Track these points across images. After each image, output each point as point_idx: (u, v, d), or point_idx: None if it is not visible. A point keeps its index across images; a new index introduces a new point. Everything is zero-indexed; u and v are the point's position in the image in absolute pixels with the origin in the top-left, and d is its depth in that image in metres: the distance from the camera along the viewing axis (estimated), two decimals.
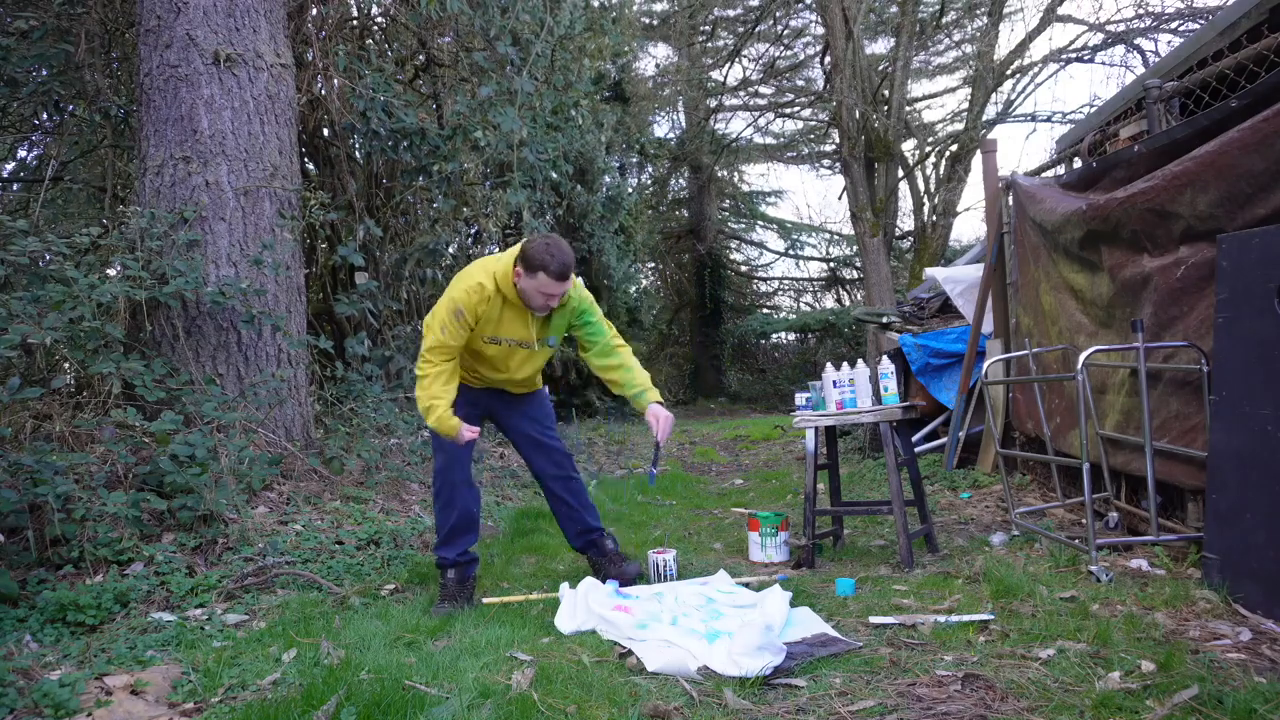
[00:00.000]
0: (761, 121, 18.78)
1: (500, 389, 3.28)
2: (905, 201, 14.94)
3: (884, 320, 7.13)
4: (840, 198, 18.27)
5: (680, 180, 20.76)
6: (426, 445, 5.75)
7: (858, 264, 17.76)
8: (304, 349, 4.72)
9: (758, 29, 15.37)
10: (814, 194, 41.87)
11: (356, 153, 6.54)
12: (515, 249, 2.98)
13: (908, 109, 13.00)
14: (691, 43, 17.19)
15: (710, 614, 2.71)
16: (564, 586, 3.02)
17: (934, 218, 12.44)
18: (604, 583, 3.07)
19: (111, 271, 4.40)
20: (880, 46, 16.09)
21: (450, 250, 6.86)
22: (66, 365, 4.55)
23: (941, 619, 2.56)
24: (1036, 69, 12.21)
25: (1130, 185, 3.35)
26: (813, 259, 22.02)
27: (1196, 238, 3.00)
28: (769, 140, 19.67)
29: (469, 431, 3.00)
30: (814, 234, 22.05)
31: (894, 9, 13.55)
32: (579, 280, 3.14)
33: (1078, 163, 4.88)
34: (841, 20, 11.14)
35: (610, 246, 12.70)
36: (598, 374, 3.26)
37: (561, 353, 14.95)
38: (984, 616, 2.56)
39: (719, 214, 20.91)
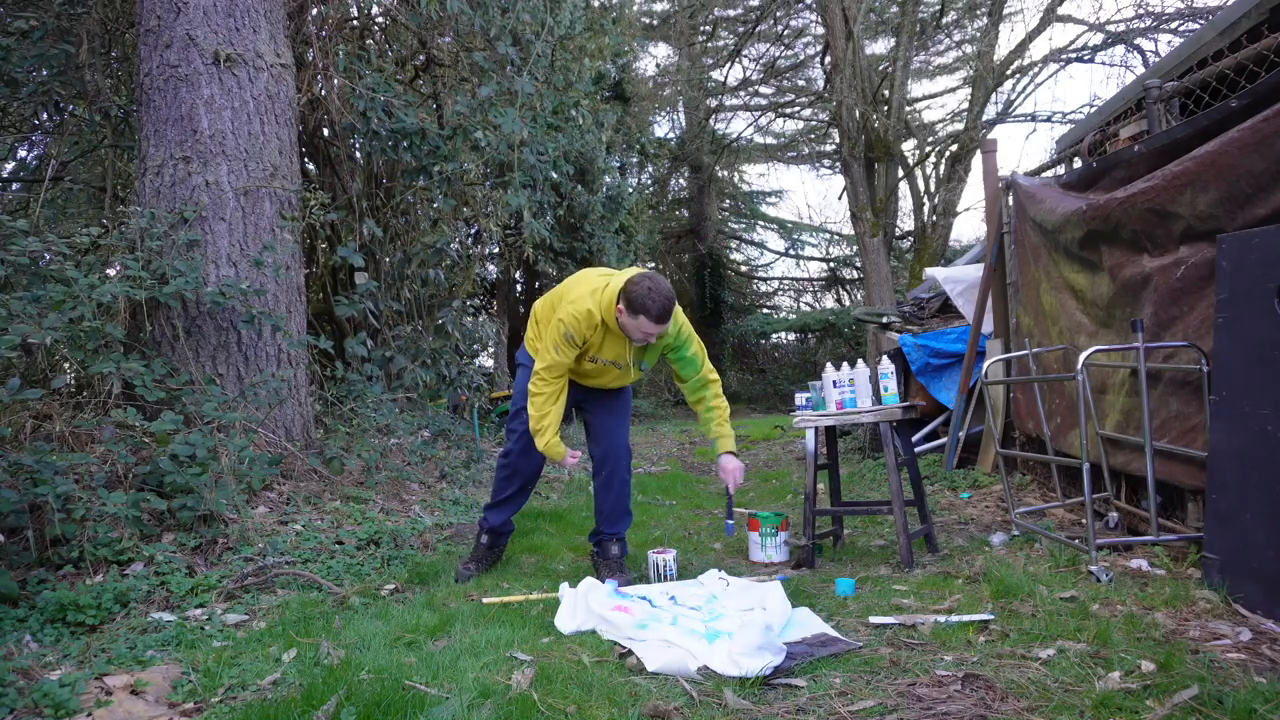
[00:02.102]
0: (762, 121, 18.80)
1: (593, 388, 3.48)
2: (905, 201, 14.95)
3: (884, 320, 7.14)
4: (840, 198, 18.28)
5: (680, 180, 20.77)
6: (427, 445, 5.75)
7: (858, 264, 17.77)
8: (304, 349, 4.72)
9: (758, 29, 15.38)
10: (814, 194, 41.90)
11: (356, 153, 6.54)
12: (618, 281, 3.13)
13: (908, 109, 13.00)
14: (692, 43, 17.19)
15: (710, 614, 2.71)
16: (564, 586, 3.02)
17: (934, 218, 12.44)
18: (602, 582, 3.09)
19: (111, 271, 4.40)
20: (880, 46, 16.10)
21: (453, 250, 6.86)
22: (66, 365, 4.55)
23: (941, 619, 2.56)
24: (1036, 69, 12.22)
25: (1130, 185, 3.35)
26: (813, 259, 22.05)
27: (1196, 238, 3.00)
28: (769, 140, 19.69)
29: (572, 458, 3.29)
30: (814, 234, 22.07)
31: (894, 9, 13.55)
32: (679, 311, 3.26)
33: (1078, 163, 4.88)
34: (841, 20, 11.14)
35: (610, 246, 12.70)
36: (687, 401, 3.51)
37: None
38: (984, 616, 2.56)
39: (719, 214, 20.92)
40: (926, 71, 16.34)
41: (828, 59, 12.79)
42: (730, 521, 3.50)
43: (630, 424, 3.66)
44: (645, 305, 3.03)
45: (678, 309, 3.20)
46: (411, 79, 7.47)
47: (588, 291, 3.19)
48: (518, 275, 15.30)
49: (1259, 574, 2.46)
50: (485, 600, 3.05)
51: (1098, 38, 10.91)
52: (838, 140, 12.81)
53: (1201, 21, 8.53)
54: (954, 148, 12.27)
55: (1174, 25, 9.66)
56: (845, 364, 3.63)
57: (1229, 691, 1.90)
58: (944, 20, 13.76)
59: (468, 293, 8.52)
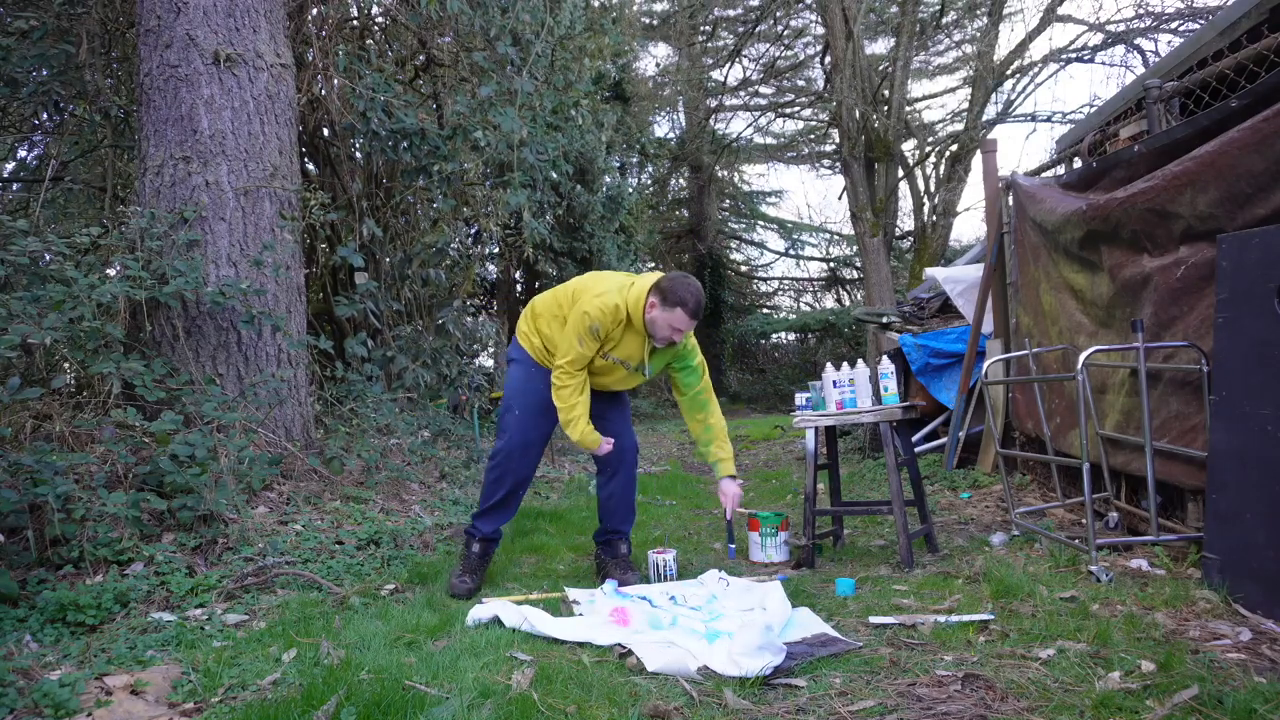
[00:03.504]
0: (762, 121, 18.80)
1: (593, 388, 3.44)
2: (905, 201, 14.95)
3: (884, 320, 7.14)
4: (840, 198, 18.28)
5: (680, 180, 20.77)
6: (427, 445, 5.75)
7: (858, 264, 17.77)
8: (304, 349, 4.72)
9: (758, 29, 15.38)
10: (814, 194, 41.93)
11: (356, 153, 6.54)
12: (646, 279, 3.18)
13: (908, 109, 13.00)
14: (692, 43, 17.19)
15: (710, 614, 2.71)
16: (567, 590, 3.02)
17: (934, 218, 12.44)
18: (602, 581, 3.13)
19: (111, 271, 4.39)
20: (880, 46, 16.11)
21: (453, 250, 6.86)
22: (66, 365, 4.55)
23: (941, 619, 2.56)
24: (1036, 69, 12.22)
25: (1130, 185, 3.35)
26: (813, 259, 22.05)
27: (1196, 238, 3.00)
28: (769, 140, 19.69)
29: (607, 444, 3.27)
30: (814, 234, 22.07)
31: (894, 9, 13.55)
32: None
33: (1078, 163, 4.88)
34: (841, 20, 11.14)
35: (610, 246, 12.70)
36: (684, 418, 3.54)
37: None
38: (984, 616, 2.56)
39: (719, 214, 20.93)
40: (926, 71, 16.34)
41: (828, 59, 12.79)
42: (732, 546, 3.58)
43: (631, 421, 3.66)
44: (683, 298, 3.07)
45: None
46: (411, 79, 7.47)
47: (614, 287, 3.20)
48: (518, 275, 15.31)
49: (1259, 574, 2.45)
50: (485, 600, 3.05)
51: (1098, 38, 10.92)
52: (838, 140, 12.82)
53: (1201, 21, 8.53)
54: (954, 148, 12.27)
55: (1174, 25, 9.66)
56: (845, 364, 3.63)
57: (1229, 691, 1.90)
58: (944, 20, 13.76)
59: (468, 292, 8.52)
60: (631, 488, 3.54)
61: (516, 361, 3.45)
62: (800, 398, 3.74)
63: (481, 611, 2.77)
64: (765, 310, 21.45)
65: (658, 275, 3.19)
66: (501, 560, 3.78)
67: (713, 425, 3.44)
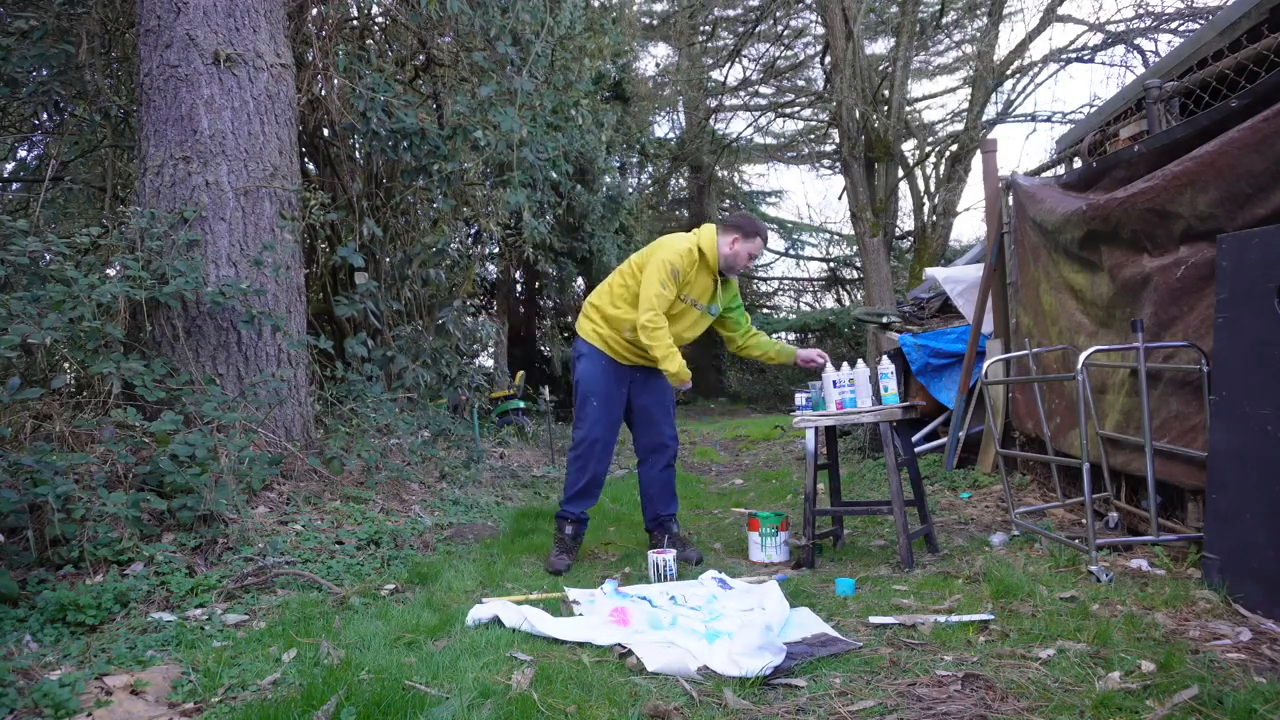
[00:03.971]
0: (762, 121, 18.79)
1: (647, 366, 3.71)
2: (905, 201, 14.94)
3: (884, 320, 7.13)
4: (840, 198, 18.28)
5: (680, 180, 20.78)
6: (427, 445, 5.75)
7: (858, 264, 17.77)
8: (304, 349, 4.72)
9: (758, 29, 15.37)
10: (814, 194, 41.94)
11: (356, 153, 6.54)
12: (709, 226, 3.67)
13: (908, 109, 13.00)
14: (691, 43, 17.19)
15: (710, 614, 2.71)
16: (567, 591, 3.02)
17: (934, 218, 12.44)
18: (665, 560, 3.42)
19: (111, 271, 4.39)
20: (880, 46, 16.11)
21: (453, 250, 6.86)
22: (66, 365, 4.55)
23: (941, 619, 2.56)
24: (1036, 69, 12.21)
25: (1130, 185, 3.35)
26: (813, 259, 22.05)
27: (1196, 238, 3.00)
28: (769, 140, 19.69)
29: (689, 383, 3.60)
30: (814, 234, 22.07)
31: (894, 9, 13.55)
32: None
33: (1078, 163, 4.88)
34: (841, 20, 11.14)
35: (610, 246, 12.70)
36: (740, 350, 3.96)
37: (562, 352, 14.93)
38: (984, 616, 2.56)
39: (719, 214, 20.91)
40: (926, 71, 16.34)
41: (828, 59, 12.79)
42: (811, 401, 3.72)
43: (675, 417, 3.94)
44: (759, 228, 3.63)
45: None
46: (411, 79, 7.47)
47: (682, 238, 3.62)
48: (518, 275, 15.31)
49: (1259, 574, 2.45)
50: (485, 600, 3.05)
51: (1098, 38, 10.91)
52: (838, 140, 12.81)
53: (1201, 21, 8.53)
54: (954, 148, 12.26)
55: (1174, 25, 9.66)
56: (845, 364, 3.63)
57: (1229, 691, 1.90)
58: (944, 20, 13.76)
59: (468, 292, 8.52)
60: (672, 475, 3.85)
61: (585, 356, 3.73)
62: (800, 398, 3.74)
63: (481, 611, 2.77)
64: (765, 310, 21.44)
65: (710, 226, 3.65)
66: (502, 560, 3.78)
67: (766, 342, 3.97)
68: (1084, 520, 3.50)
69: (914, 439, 5.98)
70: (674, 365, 3.50)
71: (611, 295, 3.69)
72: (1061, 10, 11.54)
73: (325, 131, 6.53)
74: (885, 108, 11.61)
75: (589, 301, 3.81)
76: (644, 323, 3.48)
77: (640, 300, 3.52)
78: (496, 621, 2.72)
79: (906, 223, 16.61)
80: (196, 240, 4.28)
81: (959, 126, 13.07)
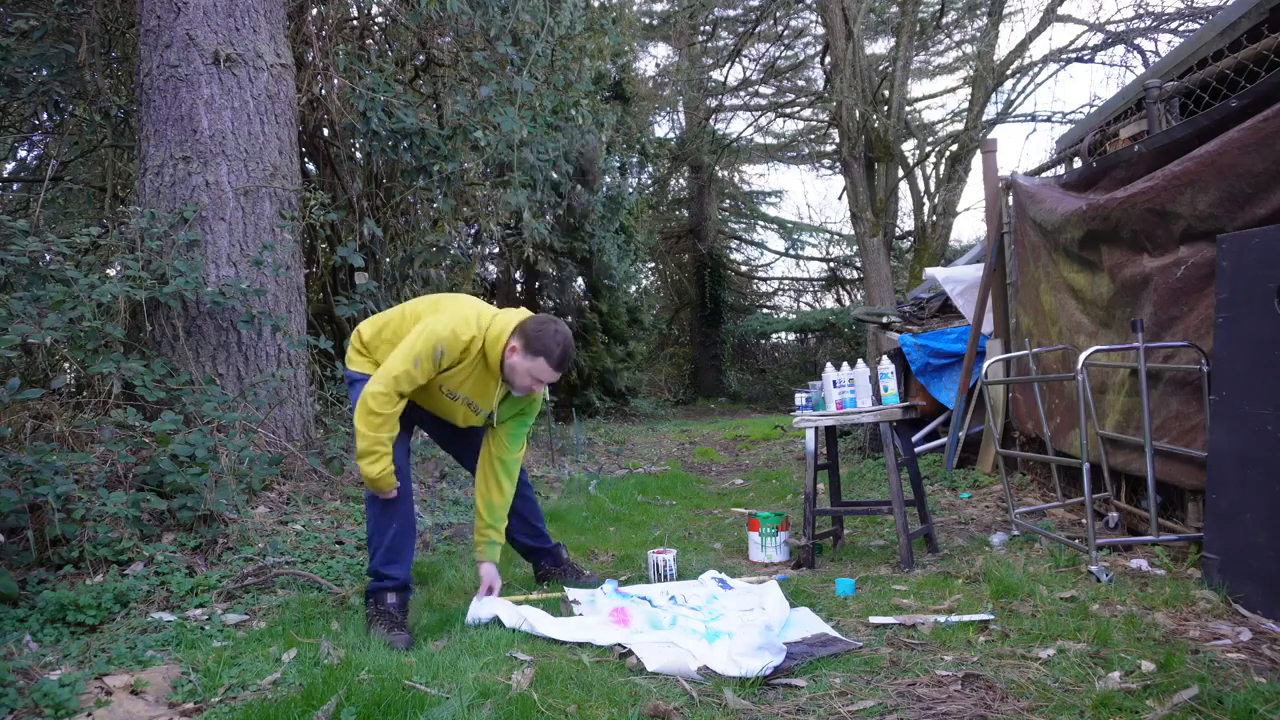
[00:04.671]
0: (762, 121, 18.81)
1: (434, 415, 3.04)
2: (905, 201, 14.95)
3: (884, 320, 7.14)
4: (840, 198, 18.30)
5: (680, 180, 20.78)
6: (427, 445, 5.75)
7: (858, 264, 17.77)
8: (304, 349, 4.72)
9: (758, 29, 15.39)
10: (814, 194, 41.98)
11: (356, 153, 6.54)
12: (509, 316, 2.79)
13: (908, 109, 13.01)
14: (692, 43, 17.21)
15: (710, 614, 2.71)
16: (568, 590, 3.02)
17: (934, 218, 12.44)
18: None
19: (111, 271, 4.40)
20: (880, 46, 16.12)
21: (453, 250, 6.87)
22: (66, 365, 4.55)
23: (941, 619, 2.56)
24: (1036, 69, 12.22)
25: (1130, 185, 3.35)
26: (813, 259, 22.05)
27: (1196, 238, 3.00)
28: (769, 140, 19.70)
29: (394, 491, 2.78)
30: (814, 234, 22.07)
31: (894, 9, 13.55)
32: None
33: (1078, 163, 4.88)
34: (841, 20, 11.14)
35: (611, 246, 12.72)
36: (481, 477, 3.02)
37: None
38: (984, 616, 2.55)
39: (719, 214, 20.93)
40: (926, 71, 16.36)
41: (828, 59, 12.79)
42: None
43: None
44: (549, 347, 2.69)
45: None
46: (411, 79, 7.47)
47: (474, 314, 2.76)
48: (518, 275, 15.30)
49: (1259, 574, 2.45)
50: (485, 600, 3.04)
51: (1098, 38, 10.91)
52: (838, 140, 12.81)
53: (1201, 21, 8.53)
54: (954, 148, 12.27)
55: (1174, 25, 9.66)
56: (845, 364, 3.63)
57: (1229, 691, 1.90)
58: (944, 20, 13.77)
59: (468, 293, 8.52)
60: (534, 503, 3.34)
61: (359, 383, 2.86)
62: (800, 398, 3.74)
63: (481, 611, 2.77)
64: (765, 310, 21.45)
65: (523, 314, 2.81)
66: (501, 560, 3.78)
67: (509, 502, 3.04)
68: (1084, 520, 3.50)
69: (914, 439, 5.98)
70: (375, 469, 2.66)
71: (383, 335, 2.91)
72: (1061, 10, 11.54)
73: (325, 131, 6.53)
74: (885, 108, 11.61)
75: (359, 329, 3.04)
76: (368, 397, 2.64)
77: (381, 368, 2.70)
78: (496, 621, 2.72)
79: (906, 223, 16.62)
80: (196, 240, 4.28)
81: (959, 126, 13.08)
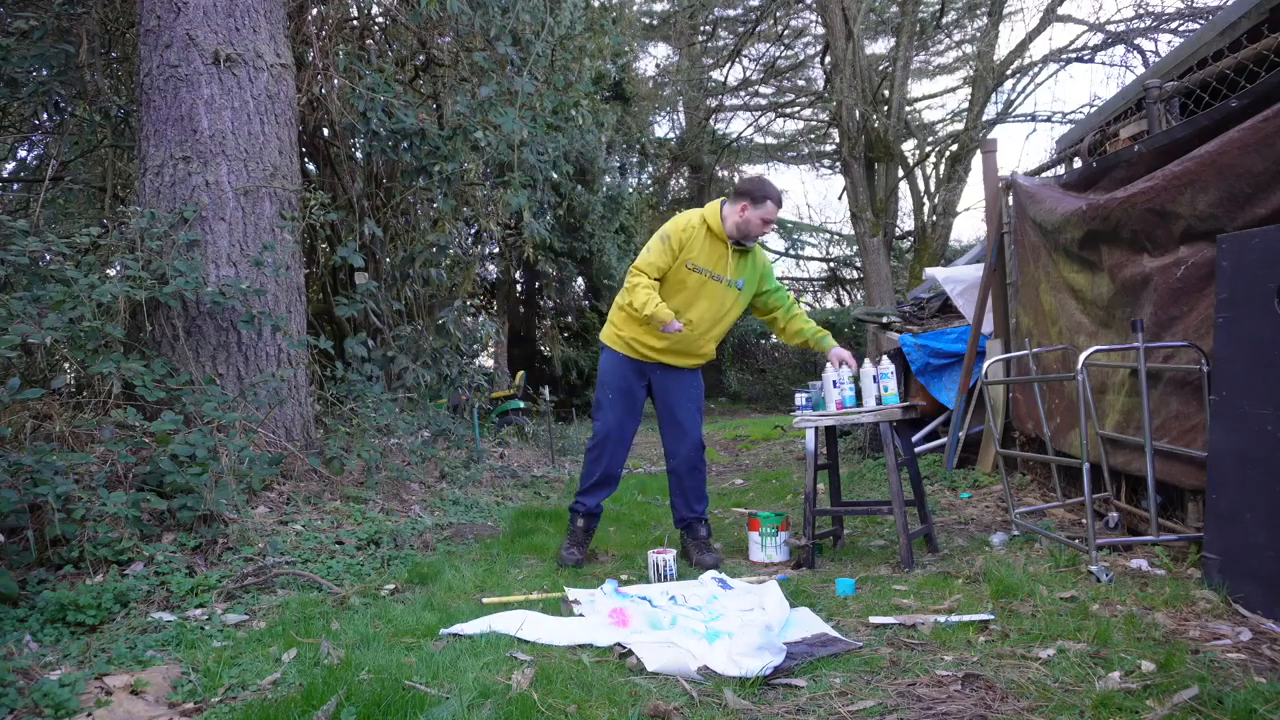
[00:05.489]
0: (762, 121, 18.82)
1: (667, 362, 3.68)
2: (905, 201, 14.96)
3: (884, 320, 7.14)
4: (840, 198, 18.29)
5: (680, 180, 20.79)
6: (427, 445, 5.75)
7: (858, 264, 17.77)
8: (304, 349, 4.72)
9: (758, 29, 15.39)
10: (814, 194, 41.97)
11: (356, 153, 6.54)
12: (716, 200, 3.56)
13: (908, 109, 13.01)
14: (692, 43, 17.21)
15: (710, 614, 2.71)
16: (568, 590, 3.02)
17: (934, 218, 12.44)
18: (691, 563, 3.54)
19: (111, 271, 4.40)
20: (880, 46, 16.13)
21: (453, 250, 6.87)
22: (66, 365, 4.55)
23: (941, 619, 2.56)
24: (1036, 69, 12.23)
25: (1130, 185, 3.35)
26: (813, 259, 22.06)
27: (1196, 238, 3.00)
28: (769, 140, 19.71)
29: (676, 324, 3.41)
30: (814, 234, 22.08)
31: (894, 9, 13.55)
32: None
33: (1078, 163, 4.88)
34: (841, 20, 11.15)
35: (611, 246, 12.72)
36: (786, 335, 3.81)
37: (562, 352, 14.93)
38: (984, 616, 2.56)
39: None
40: (926, 71, 16.37)
41: (828, 59, 12.79)
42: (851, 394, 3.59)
43: (703, 416, 3.91)
44: (768, 190, 3.42)
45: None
46: (411, 79, 7.46)
47: (685, 212, 3.58)
48: (518, 275, 15.31)
49: (1259, 574, 2.45)
50: (485, 600, 3.05)
51: (1098, 38, 10.92)
52: (838, 140, 12.82)
53: (1201, 21, 8.53)
54: (954, 148, 12.27)
55: (1174, 25, 9.66)
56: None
57: (1229, 691, 1.90)
58: (944, 20, 13.77)
59: (468, 292, 8.53)
60: (698, 474, 3.78)
61: (604, 351, 3.79)
62: (800, 398, 3.74)
63: (468, 628, 2.69)
64: None
65: (718, 200, 3.55)
66: (502, 560, 3.78)
67: (814, 325, 3.78)
68: (1084, 520, 3.50)
69: (914, 439, 5.98)
70: (651, 308, 3.42)
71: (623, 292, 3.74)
72: (1061, 10, 11.55)
73: (325, 131, 6.53)
74: (885, 108, 11.62)
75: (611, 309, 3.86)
76: (628, 281, 3.51)
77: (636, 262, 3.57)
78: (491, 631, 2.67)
79: (906, 223, 16.63)
80: (196, 240, 4.28)
81: (959, 126, 13.08)
